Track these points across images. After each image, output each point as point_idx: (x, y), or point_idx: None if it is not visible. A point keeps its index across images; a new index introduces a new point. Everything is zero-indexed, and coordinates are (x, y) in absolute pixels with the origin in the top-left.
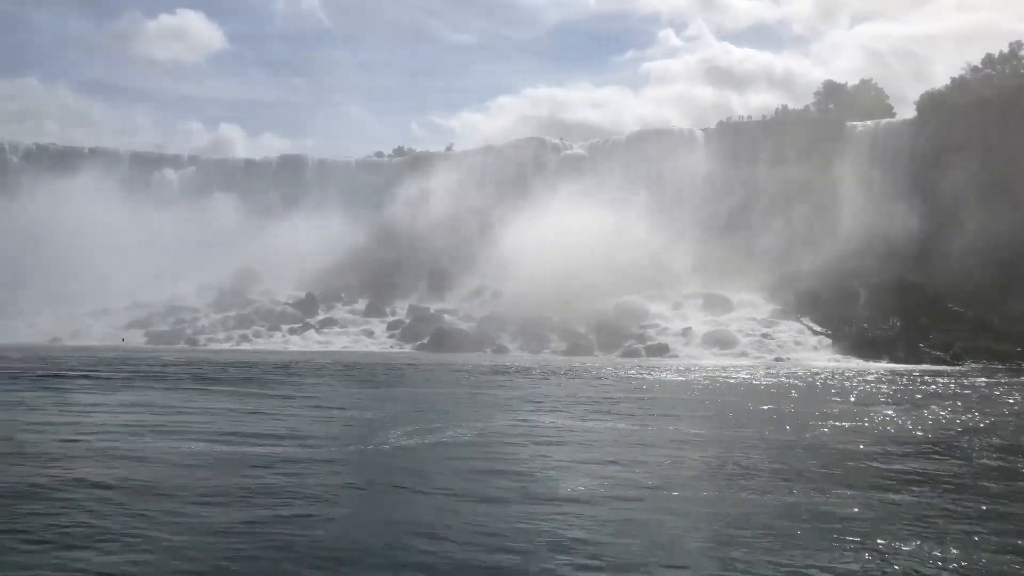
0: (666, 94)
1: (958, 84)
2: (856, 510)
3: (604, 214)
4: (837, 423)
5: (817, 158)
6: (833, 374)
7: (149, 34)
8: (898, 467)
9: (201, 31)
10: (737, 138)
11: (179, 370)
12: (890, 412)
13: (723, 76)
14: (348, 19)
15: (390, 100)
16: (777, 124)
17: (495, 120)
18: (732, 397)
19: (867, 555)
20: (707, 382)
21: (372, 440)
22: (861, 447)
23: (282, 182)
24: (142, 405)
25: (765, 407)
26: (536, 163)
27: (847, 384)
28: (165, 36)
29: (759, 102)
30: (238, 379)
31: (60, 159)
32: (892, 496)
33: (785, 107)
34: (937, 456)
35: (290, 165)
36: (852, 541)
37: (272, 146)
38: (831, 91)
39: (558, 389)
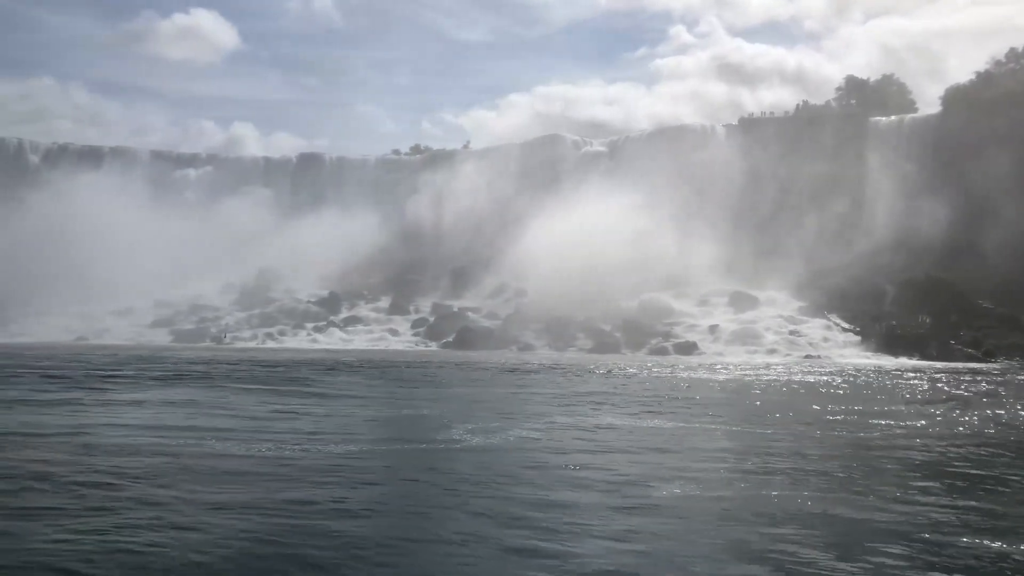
0: (678, 91)
1: (983, 78)
2: (972, 514)
3: (626, 211)
4: (901, 422)
5: (842, 154)
6: (869, 372)
7: (163, 34)
8: (986, 469)
9: (215, 31)
10: (759, 134)
11: (213, 369)
12: (947, 410)
13: (735, 72)
14: (360, 18)
15: (401, 98)
16: (799, 120)
17: (506, 118)
18: (779, 396)
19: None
20: (748, 380)
21: (437, 438)
22: (939, 448)
23: (301, 181)
24: (193, 405)
25: (817, 407)
26: (556, 160)
27: (888, 382)
28: (179, 36)
29: (772, 98)
30: (277, 378)
31: (80, 158)
32: (995, 502)
33: (806, 103)
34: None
35: (309, 164)
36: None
37: (284, 145)
38: (853, 87)
39: (601, 387)
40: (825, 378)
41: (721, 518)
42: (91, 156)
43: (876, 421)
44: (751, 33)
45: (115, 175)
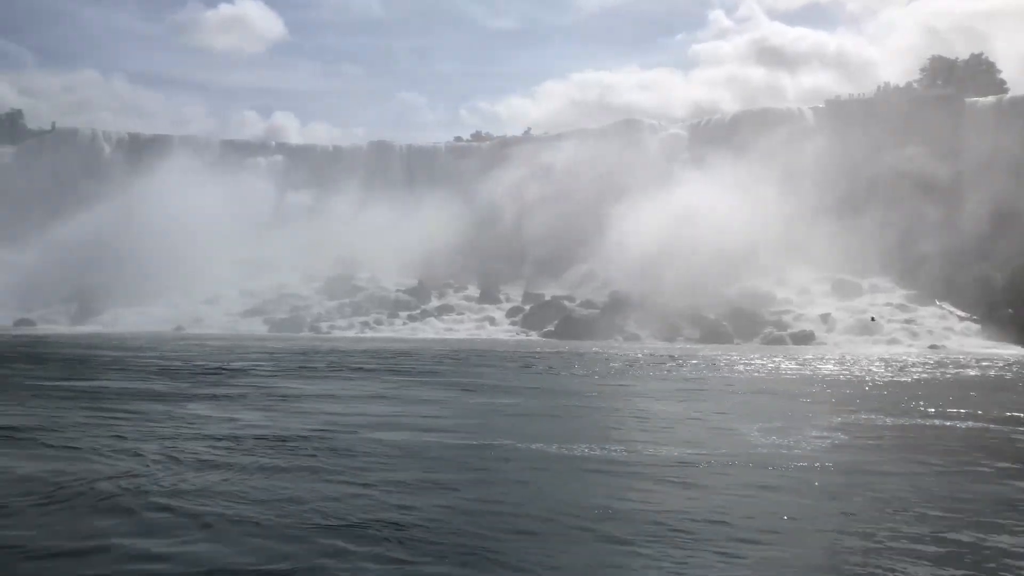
0: (716, 75)
1: None
2: None
3: (714, 197)
4: None
5: (938, 136)
6: (1011, 362)
7: (208, 24)
8: None
9: (261, 20)
10: (850, 117)
11: (350, 359)
12: None
13: (774, 56)
14: (398, 7)
15: (436, 87)
16: (889, 102)
17: (542, 105)
18: (980, 388)
19: None
20: (911, 371)
21: (749, 440)
22: None
23: (373, 169)
24: (400, 401)
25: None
26: (635, 145)
27: None
28: (224, 26)
29: (811, 82)
30: (422, 369)
31: (151, 147)
32: None
33: (887, 84)
34: None
35: (380, 152)
36: None
37: (321, 135)
38: (939, 67)
39: (783, 384)
40: (985, 370)
41: None
42: (162, 145)
43: None
44: (792, 17)
45: (188, 164)
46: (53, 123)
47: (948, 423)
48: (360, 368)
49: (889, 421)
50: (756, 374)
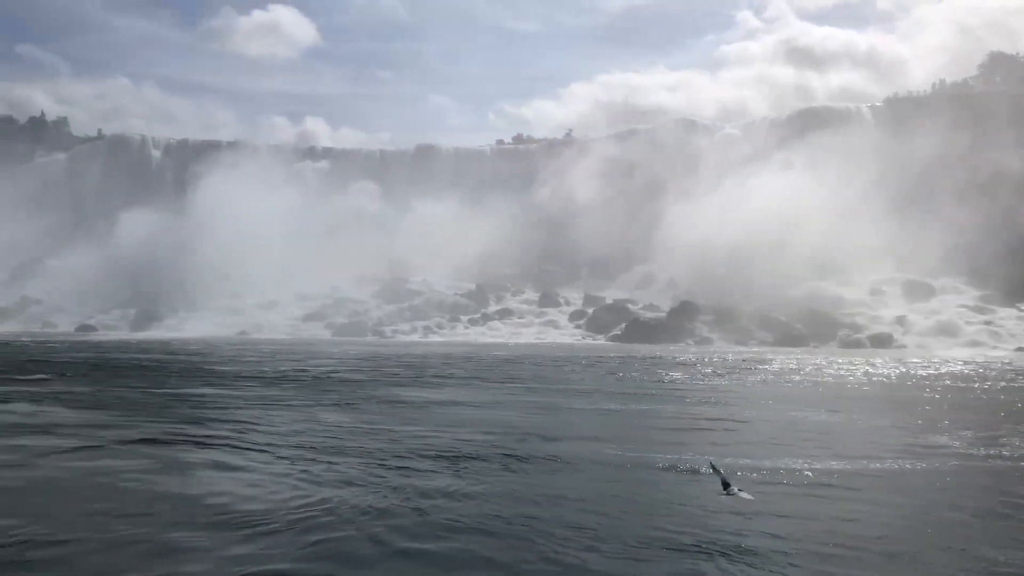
0: (744, 76)
1: None
2: None
3: (773, 196)
4: None
5: (1006, 132)
6: None
7: (241, 31)
8: None
9: (294, 26)
10: (909, 114)
11: (445, 366)
12: None
13: (804, 56)
14: (422, 12)
15: (462, 90)
16: (950, 98)
17: (568, 107)
18: None
19: None
20: None
21: (958, 450)
22: None
23: (419, 171)
24: (525, 406)
25: None
26: (690, 145)
27: None
28: (257, 33)
29: (839, 81)
30: (528, 376)
31: (200, 153)
32: None
33: (943, 81)
34: None
35: (426, 154)
36: None
37: (349, 140)
38: (998, 62)
39: (919, 389)
40: None
41: None
42: (210, 150)
43: None
44: (821, 16)
45: (237, 169)
46: (99, 129)
47: None
48: (451, 374)
49: None
50: (869, 379)
